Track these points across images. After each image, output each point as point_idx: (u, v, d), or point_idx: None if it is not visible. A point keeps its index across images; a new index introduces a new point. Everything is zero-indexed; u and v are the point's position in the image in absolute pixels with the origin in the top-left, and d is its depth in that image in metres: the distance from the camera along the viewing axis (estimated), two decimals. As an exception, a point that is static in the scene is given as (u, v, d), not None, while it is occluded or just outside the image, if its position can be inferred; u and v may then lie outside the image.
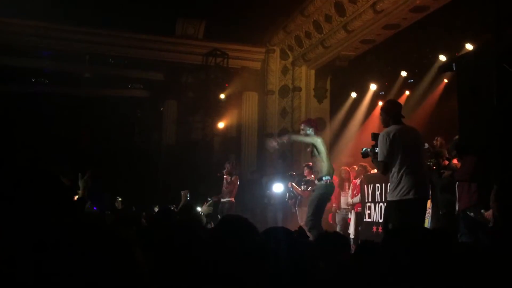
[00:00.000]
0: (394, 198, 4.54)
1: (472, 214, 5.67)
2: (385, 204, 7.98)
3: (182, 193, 5.75)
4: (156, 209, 7.37)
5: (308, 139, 6.20)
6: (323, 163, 6.06)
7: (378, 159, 4.61)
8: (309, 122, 6.50)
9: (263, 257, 2.13)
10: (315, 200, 6.06)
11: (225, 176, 9.63)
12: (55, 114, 12.73)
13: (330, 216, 9.43)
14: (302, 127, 6.44)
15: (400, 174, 4.50)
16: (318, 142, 6.07)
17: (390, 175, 4.64)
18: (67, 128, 13.56)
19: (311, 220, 5.83)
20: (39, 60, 12.35)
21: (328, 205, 8.97)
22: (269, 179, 10.70)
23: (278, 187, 10.13)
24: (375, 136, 4.85)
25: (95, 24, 11.04)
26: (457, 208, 5.92)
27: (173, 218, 3.60)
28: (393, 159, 4.54)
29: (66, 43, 11.31)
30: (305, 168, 9.37)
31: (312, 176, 8.15)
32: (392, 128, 4.59)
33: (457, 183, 6.01)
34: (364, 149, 5.01)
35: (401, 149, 4.53)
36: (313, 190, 6.34)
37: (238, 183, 9.68)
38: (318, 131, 6.42)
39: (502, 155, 4.01)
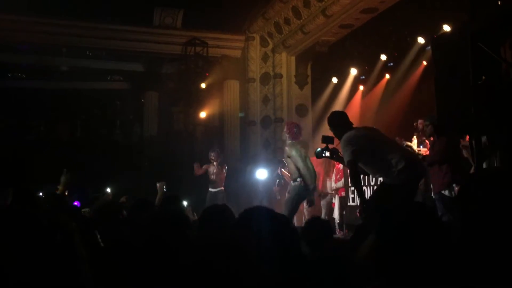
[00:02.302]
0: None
1: (446, 193, 5.77)
2: (369, 188, 8.09)
3: (158, 185, 5.69)
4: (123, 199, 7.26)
5: (298, 161, 6.25)
6: (298, 165, 6.20)
7: (346, 161, 4.70)
8: (289, 126, 6.59)
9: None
10: (290, 201, 6.27)
11: (214, 163, 9.48)
12: (34, 108, 12.57)
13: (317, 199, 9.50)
14: (284, 130, 6.61)
15: (390, 161, 4.56)
16: (293, 152, 6.25)
17: (380, 165, 4.68)
18: (47, 123, 13.41)
19: None
20: (16, 54, 12.15)
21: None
22: (254, 167, 10.70)
23: (261, 173, 10.14)
24: (325, 139, 5.01)
25: (72, 16, 10.86)
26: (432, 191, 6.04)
27: (150, 210, 3.55)
28: (364, 155, 4.63)
29: (42, 36, 11.11)
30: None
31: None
32: (348, 134, 4.74)
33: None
34: (318, 150, 5.13)
35: (369, 143, 4.65)
36: (288, 191, 6.46)
37: (214, 171, 9.58)
38: (295, 137, 6.48)
39: (476, 134, 4.06)
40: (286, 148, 6.46)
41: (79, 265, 1.12)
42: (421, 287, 1.29)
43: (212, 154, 9.63)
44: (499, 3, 4.17)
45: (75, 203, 9.45)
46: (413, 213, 1.41)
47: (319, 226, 3.18)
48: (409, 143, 7.04)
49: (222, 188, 9.49)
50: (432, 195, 6.20)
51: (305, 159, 6.28)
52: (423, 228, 1.34)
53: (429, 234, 1.33)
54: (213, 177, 9.51)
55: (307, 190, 6.27)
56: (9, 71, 13.01)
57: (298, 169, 6.23)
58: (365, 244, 1.45)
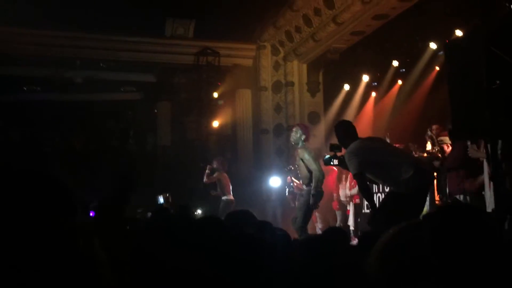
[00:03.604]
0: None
1: (461, 198, 5.74)
2: (382, 194, 8.03)
3: (163, 196, 5.72)
4: (139, 211, 7.32)
5: (310, 162, 6.24)
6: (312, 167, 6.21)
7: (353, 173, 4.72)
8: (303, 128, 6.58)
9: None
10: (304, 206, 6.26)
11: (207, 171, 9.43)
12: (48, 120, 12.71)
13: (334, 203, 9.45)
14: (294, 129, 6.57)
15: (399, 170, 4.54)
16: (307, 152, 6.29)
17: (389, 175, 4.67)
18: (61, 135, 13.55)
19: (301, 227, 5.98)
20: (30, 67, 12.31)
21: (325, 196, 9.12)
22: (267, 174, 10.70)
23: (275, 181, 10.13)
24: (333, 147, 5.02)
25: (85, 29, 11.00)
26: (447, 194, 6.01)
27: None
28: (370, 166, 4.62)
29: (56, 49, 11.26)
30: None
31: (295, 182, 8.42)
32: (352, 145, 4.74)
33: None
34: (326, 157, 5.16)
35: (374, 153, 4.65)
36: (301, 195, 6.46)
37: (226, 180, 9.44)
38: (307, 139, 6.52)
39: (492, 139, 4.02)
40: (298, 151, 6.43)
41: (100, 270, 1.12)
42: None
43: (214, 162, 9.57)
44: (511, 6, 4.15)
45: (92, 214, 9.54)
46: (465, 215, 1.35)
47: (336, 235, 3.16)
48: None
49: (231, 196, 9.40)
50: (448, 200, 6.16)
51: (316, 161, 6.29)
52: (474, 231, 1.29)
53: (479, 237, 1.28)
54: (223, 185, 9.46)
55: (318, 193, 6.27)
56: (24, 84, 13.18)
57: (310, 172, 6.21)
58: (374, 251, 1.42)
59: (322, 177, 6.27)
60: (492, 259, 1.26)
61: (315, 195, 6.19)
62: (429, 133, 7.21)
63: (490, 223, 1.35)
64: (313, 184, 6.18)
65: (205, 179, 9.42)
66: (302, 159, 6.30)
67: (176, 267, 1.79)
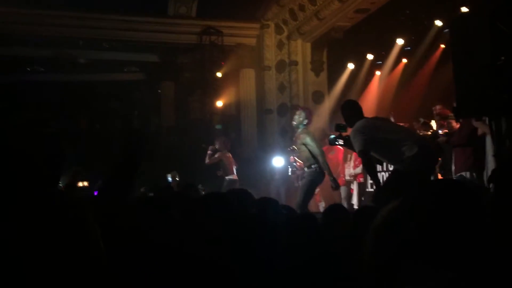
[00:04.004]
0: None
1: (468, 175, 5.75)
2: (386, 173, 8.04)
3: (171, 174, 5.73)
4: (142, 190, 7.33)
5: (315, 148, 6.25)
6: (316, 148, 6.23)
7: (357, 150, 4.72)
8: (307, 112, 6.57)
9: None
10: (305, 186, 6.29)
11: (209, 152, 9.41)
12: (52, 101, 12.72)
13: (341, 179, 9.48)
14: (298, 112, 6.57)
15: (404, 148, 4.54)
16: (309, 136, 6.30)
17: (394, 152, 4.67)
18: (65, 115, 13.57)
19: (301, 206, 6.02)
20: (34, 48, 12.28)
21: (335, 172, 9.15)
22: (270, 154, 10.70)
23: (278, 161, 10.14)
24: (338, 127, 5.02)
25: (87, 9, 10.94)
26: (453, 171, 6.01)
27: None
28: (375, 144, 4.63)
29: (59, 29, 11.21)
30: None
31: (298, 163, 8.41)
32: (358, 123, 4.75)
33: (454, 148, 6.09)
34: (331, 137, 5.18)
35: (380, 132, 4.67)
36: (303, 177, 6.49)
37: (229, 160, 9.44)
38: (310, 123, 6.53)
39: (496, 116, 4.00)
40: (300, 135, 6.44)
41: (92, 243, 1.13)
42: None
43: (216, 142, 9.56)
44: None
45: (96, 193, 9.60)
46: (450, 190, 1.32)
47: (338, 212, 3.17)
48: (425, 120, 6.98)
49: (235, 175, 9.41)
50: (453, 177, 6.16)
51: (318, 145, 6.30)
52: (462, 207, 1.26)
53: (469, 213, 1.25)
54: (226, 165, 9.46)
55: (322, 176, 6.29)
56: (27, 65, 13.17)
57: (314, 156, 6.24)
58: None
59: (325, 160, 6.31)
60: (478, 237, 1.24)
61: (333, 179, 6.30)
62: (438, 110, 7.19)
63: (481, 201, 1.32)
64: (318, 166, 6.21)
65: (206, 160, 9.43)
66: (304, 144, 6.31)
67: (165, 244, 1.81)
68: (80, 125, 13.62)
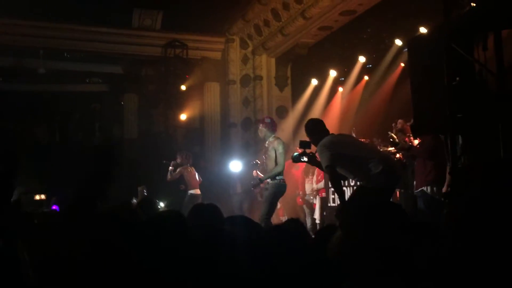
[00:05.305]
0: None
1: (428, 190, 5.88)
2: (349, 188, 8.14)
3: (139, 189, 5.68)
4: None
5: (281, 156, 6.27)
6: (279, 161, 6.25)
7: (324, 166, 4.74)
8: (267, 124, 6.57)
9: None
10: (269, 198, 6.28)
11: (170, 168, 9.33)
12: (11, 111, 12.37)
13: (298, 199, 9.56)
14: (260, 127, 6.58)
15: (370, 165, 4.61)
16: (280, 148, 6.29)
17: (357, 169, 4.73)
18: (24, 126, 13.21)
19: (265, 219, 6.03)
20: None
21: (293, 190, 9.17)
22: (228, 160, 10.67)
23: (235, 166, 10.13)
24: (303, 144, 5.08)
25: (49, 18, 10.73)
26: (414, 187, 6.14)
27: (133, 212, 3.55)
28: (341, 160, 4.68)
29: (19, 38, 10.97)
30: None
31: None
32: (325, 139, 4.81)
33: (415, 163, 6.22)
34: (295, 154, 5.20)
35: (346, 148, 4.74)
36: (266, 189, 6.46)
37: (190, 174, 9.38)
38: (274, 129, 6.54)
39: (452, 134, 4.12)
40: (274, 142, 6.38)
41: (22, 270, 1.10)
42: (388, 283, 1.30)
43: (178, 157, 9.46)
44: (472, 4, 4.25)
45: (54, 207, 9.34)
46: (382, 210, 1.42)
47: (295, 227, 3.17)
48: (392, 134, 7.10)
49: (197, 190, 9.34)
50: (414, 192, 6.28)
51: (284, 156, 6.33)
52: (390, 225, 1.35)
53: (396, 232, 1.34)
54: (187, 179, 9.38)
55: (285, 188, 6.32)
56: (-15, 74, 12.80)
57: (277, 164, 6.23)
58: (332, 242, 1.46)
59: (282, 173, 6.34)
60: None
61: (260, 180, 6.40)
62: (398, 126, 7.31)
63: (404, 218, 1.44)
64: (269, 173, 6.24)
65: (168, 177, 9.33)
66: (275, 150, 6.29)
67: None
68: (39, 137, 13.26)
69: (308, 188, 9.42)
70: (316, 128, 5.04)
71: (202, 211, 3.03)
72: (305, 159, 5.13)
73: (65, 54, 12.18)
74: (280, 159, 6.25)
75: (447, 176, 5.09)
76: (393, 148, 6.92)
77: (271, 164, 6.35)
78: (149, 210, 3.76)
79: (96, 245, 1.86)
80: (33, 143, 12.79)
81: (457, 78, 4.05)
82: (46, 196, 9.58)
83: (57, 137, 13.93)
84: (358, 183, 5.04)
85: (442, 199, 5.51)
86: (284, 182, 6.33)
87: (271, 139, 6.43)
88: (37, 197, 9.90)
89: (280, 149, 6.28)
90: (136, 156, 11.90)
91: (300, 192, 9.49)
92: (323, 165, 4.76)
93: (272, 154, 6.33)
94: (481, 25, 4.09)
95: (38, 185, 10.05)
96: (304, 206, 9.58)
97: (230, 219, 3.03)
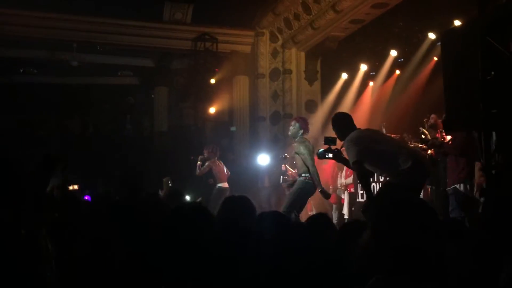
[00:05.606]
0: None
1: (461, 188, 5.75)
2: (377, 184, 8.04)
3: (164, 180, 5.72)
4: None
5: (307, 159, 6.27)
6: (309, 158, 6.24)
7: (351, 161, 4.66)
8: (302, 122, 6.57)
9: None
10: (292, 195, 6.30)
11: (199, 163, 9.33)
12: (44, 104, 12.67)
13: (333, 196, 9.50)
14: (293, 123, 6.58)
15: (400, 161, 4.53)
16: (303, 145, 6.31)
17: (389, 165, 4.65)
18: (57, 118, 13.52)
19: (285, 212, 6.00)
20: (27, 50, 12.24)
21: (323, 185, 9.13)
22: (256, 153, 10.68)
23: (263, 159, 10.12)
24: (328, 140, 4.99)
25: (82, 11, 10.91)
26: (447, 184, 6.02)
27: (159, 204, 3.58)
28: (369, 155, 4.60)
29: (53, 32, 11.18)
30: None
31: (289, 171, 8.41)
32: (351, 134, 4.74)
33: (447, 159, 6.09)
34: (320, 151, 5.13)
35: (373, 143, 4.67)
36: (292, 185, 6.49)
37: (218, 167, 9.40)
38: (306, 132, 6.52)
39: (485, 131, 4.01)
40: (295, 144, 6.47)
41: (43, 261, 1.11)
42: (417, 282, 1.28)
43: (204, 151, 9.46)
44: (509, -3, 4.11)
45: (86, 197, 9.54)
46: (410, 208, 1.39)
47: (321, 221, 3.15)
48: (424, 130, 6.97)
49: (225, 184, 9.34)
50: (447, 189, 6.15)
51: (311, 156, 6.30)
52: (420, 222, 1.33)
53: (425, 229, 1.32)
54: (216, 173, 9.39)
55: (314, 187, 6.29)
56: (20, 66, 13.11)
57: (306, 166, 6.26)
58: (362, 239, 1.44)
59: (315, 171, 6.33)
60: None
61: (322, 189, 6.34)
62: (431, 121, 7.18)
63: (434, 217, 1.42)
64: (312, 179, 6.24)
65: (197, 172, 9.36)
66: (297, 153, 6.33)
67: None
68: (71, 128, 13.55)
69: (338, 182, 9.36)
70: (343, 122, 4.96)
71: (233, 203, 3.02)
72: (330, 155, 5.05)
73: (98, 47, 12.37)
74: (308, 161, 6.27)
75: (477, 173, 4.96)
76: (424, 144, 6.80)
77: (299, 163, 6.40)
78: (175, 203, 3.78)
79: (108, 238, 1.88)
80: (65, 135, 13.07)
81: (492, 73, 3.93)
82: (79, 186, 9.78)
83: (90, 129, 14.21)
84: (386, 178, 4.95)
85: (477, 196, 5.40)
86: (312, 180, 6.30)
87: (299, 139, 6.44)
88: (70, 187, 10.12)
89: (301, 149, 6.31)
90: (165, 148, 12.04)
91: (331, 186, 9.40)
92: (350, 161, 4.68)
93: (297, 155, 6.39)
94: (518, 18, 3.95)
95: (71, 176, 10.26)
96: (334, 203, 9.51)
97: (260, 216, 3.02)
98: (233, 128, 12.27)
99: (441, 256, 1.34)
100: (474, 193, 5.81)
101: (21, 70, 13.16)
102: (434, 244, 1.29)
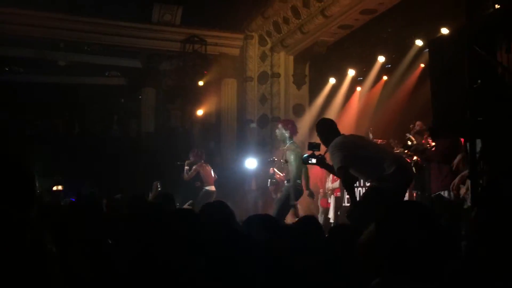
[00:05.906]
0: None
1: (445, 194, 5.79)
2: (363, 188, 8.09)
3: (154, 184, 5.69)
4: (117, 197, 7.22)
5: (291, 161, 6.25)
6: (294, 167, 6.26)
7: (336, 167, 4.68)
8: (285, 124, 6.57)
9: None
10: (281, 201, 6.33)
11: (186, 167, 9.28)
12: (31, 103, 12.53)
13: (321, 200, 9.53)
14: (279, 126, 6.58)
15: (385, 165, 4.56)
16: (293, 154, 6.28)
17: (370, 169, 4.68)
18: (43, 118, 13.38)
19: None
20: (14, 48, 12.10)
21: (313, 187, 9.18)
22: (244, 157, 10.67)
23: (251, 163, 10.12)
24: (311, 146, 5.01)
25: (70, 11, 10.83)
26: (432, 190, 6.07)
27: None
28: (353, 161, 4.62)
29: (40, 30, 11.07)
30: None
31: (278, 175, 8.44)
32: (336, 140, 4.75)
33: (431, 166, 6.14)
34: (304, 156, 5.16)
35: (358, 148, 4.70)
36: (281, 190, 6.51)
37: (206, 171, 9.36)
38: (294, 135, 6.50)
39: (471, 137, 4.06)
40: (287, 151, 6.43)
41: (49, 264, 1.10)
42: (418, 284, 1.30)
43: (190, 155, 9.41)
44: (496, 6, 4.17)
45: (72, 199, 9.45)
46: (411, 211, 1.41)
47: (310, 222, 3.16)
48: (410, 136, 7.02)
49: (212, 186, 9.31)
50: (432, 195, 6.20)
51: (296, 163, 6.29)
52: (421, 226, 1.35)
53: (428, 233, 1.34)
54: (203, 176, 9.36)
55: (301, 192, 6.32)
56: (6, 65, 12.96)
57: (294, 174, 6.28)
58: (361, 242, 1.47)
59: (299, 180, 6.34)
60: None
61: (310, 191, 6.46)
62: (416, 128, 7.23)
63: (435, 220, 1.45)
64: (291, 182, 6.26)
65: (185, 177, 9.31)
66: (286, 161, 6.35)
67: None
68: (58, 128, 13.42)
69: (325, 187, 9.41)
70: (327, 128, 4.99)
71: (211, 209, 3.04)
72: (313, 161, 5.04)
73: (85, 47, 12.27)
74: (291, 168, 6.26)
75: (466, 180, 5.01)
76: (406, 150, 6.85)
77: (288, 167, 6.39)
78: (166, 205, 3.76)
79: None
80: (51, 134, 12.94)
81: (479, 81, 3.98)
82: (63, 187, 9.69)
83: (76, 129, 14.08)
84: (370, 183, 4.98)
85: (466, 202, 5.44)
86: (300, 186, 6.33)
87: (288, 145, 6.43)
88: (54, 188, 10.03)
89: (291, 159, 6.28)
90: (152, 150, 11.97)
91: (321, 190, 9.45)
92: (335, 167, 4.69)
93: (288, 160, 6.38)
94: (505, 27, 4.01)
95: (55, 176, 10.17)
96: (319, 204, 9.56)
97: (248, 219, 3.03)
98: (253, 125, 12.14)
99: (440, 256, 1.37)
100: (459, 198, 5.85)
101: (7, 69, 13.00)
102: (433, 244, 1.32)
